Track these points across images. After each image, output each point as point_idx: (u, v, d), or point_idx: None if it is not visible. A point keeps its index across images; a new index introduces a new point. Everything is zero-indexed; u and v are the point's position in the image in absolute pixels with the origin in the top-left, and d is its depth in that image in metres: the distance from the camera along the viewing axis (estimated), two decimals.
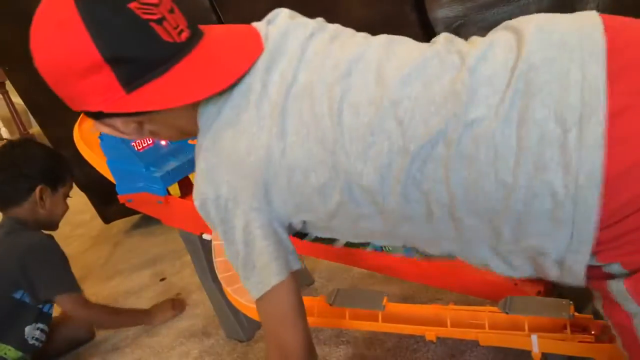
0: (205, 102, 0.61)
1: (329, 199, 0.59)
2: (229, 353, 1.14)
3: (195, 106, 0.62)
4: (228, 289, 0.88)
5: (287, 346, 0.64)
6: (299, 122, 0.58)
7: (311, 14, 1.65)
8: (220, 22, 1.66)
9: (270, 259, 0.61)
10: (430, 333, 0.79)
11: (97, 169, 1.12)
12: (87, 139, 1.13)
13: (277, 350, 0.65)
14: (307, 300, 0.85)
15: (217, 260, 0.93)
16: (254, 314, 0.87)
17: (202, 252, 1.08)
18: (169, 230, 1.85)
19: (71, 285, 1.25)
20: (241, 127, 0.59)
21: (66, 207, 1.36)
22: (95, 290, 1.59)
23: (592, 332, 0.72)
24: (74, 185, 1.45)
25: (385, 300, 0.81)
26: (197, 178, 0.63)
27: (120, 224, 2.04)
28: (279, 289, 0.62)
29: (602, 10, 0.88)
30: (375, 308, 0.81)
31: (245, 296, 0.87)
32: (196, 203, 0.63)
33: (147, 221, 2.00)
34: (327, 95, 0.57)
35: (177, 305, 1.36)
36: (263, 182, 0.59)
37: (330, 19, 1.67)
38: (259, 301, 0.63)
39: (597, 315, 0.73)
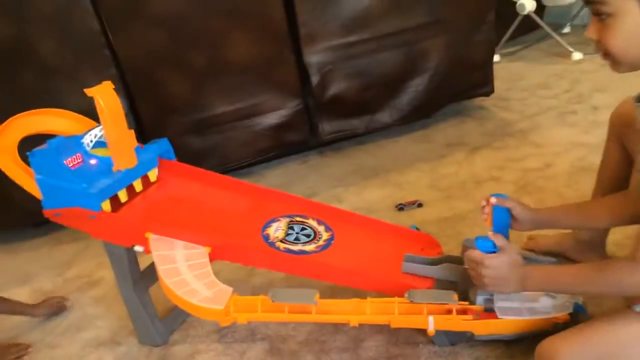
0: None
1: None
2: (146, 356, 1.22)
3: None
4: (178, 292, 0.99)
5: None
6: None
7: (200, 52, 1.83)
8: (109, 46, 1.71)
9: None
10: (354, 320, 1.00)
11: (18, 182, 1.14)
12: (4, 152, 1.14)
13: None
14: (251, 298, 1.02)
15: (161, 269, 1.03)
16: (203, 313, 1.00)
17: (127, 263, 1.16)
18: (35, 248, 1.82)
19: None
20: None
21: None
22: None
23: (470, 314, 1.00)
24: None
25: (317, 296, 1.00)
26: None
27: None
28: None
29: None
30: (309, 302, 1.00)
31: (195, 297, 0.99)
32: None
33: (3, 239, 1.92)
34: None
35: (57, 305, 1.44)
36: None
37: (218, 54, 1.85)
38: None
39: (472, 303, 1.02)
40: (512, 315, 0.99)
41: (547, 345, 0.89)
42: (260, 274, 1.43)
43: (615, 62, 0.82)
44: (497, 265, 0.93)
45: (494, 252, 0.95)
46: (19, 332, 1.40)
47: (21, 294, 1.56)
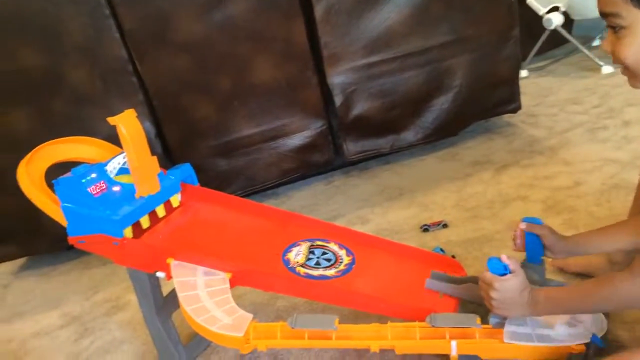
0: None
1: None
2: None
3: None
4: (197, 320, 0.99)
5: None
6: None
7: (224, 76, 1.86)
8: (136, 72, 1.75)
9: None
10: (375, 345, 0.99)
11: (44, 210, 1.16)
12: (32, 180, 1.17)
13: None
14: (270, 325, 1.01)
15: (181, 295, 1.04)
16: (223, 341, 1.00)
17: (150, 288, 1.18)
18: (65, 272, 1.86)
19: None
20: None
21: None
22: None
23: (496, 338, 0.97)
24: None
25: (336, 322, 0.99)
26: None
27: (7, 266, 1.97)
28: None
29: None
30: (329, 328, 0.99)
31: (214, 325, 0.99)
32: None
33: (37, 263, 1.97)
34: None
35: None
36: None
37: (242, 78, 1.88)
38: None
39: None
40: (519, 340, 0.96)
41: None
42: (284, 297, 1.42)
43: (632, 76, 0.83)
44: (505, 288, 0.93)
45: (505, 274, 0.93)
46: (41, 357, 1.42)
47: (50, 318, 1.59)
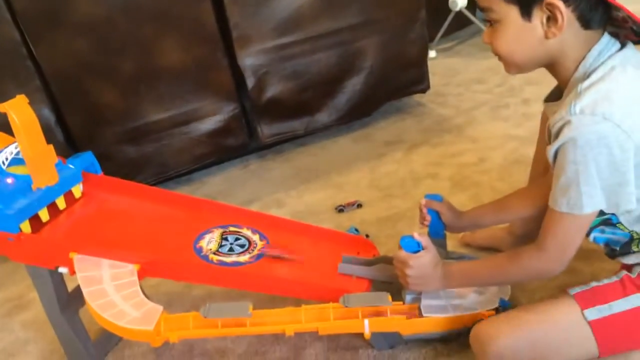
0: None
1: None
2: None
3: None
4: (104, 315, 0.94)
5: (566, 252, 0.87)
6: None
7: (129, 59, 1.78)
8: (31, 55, 1.64)
9: (598, 193, 0.80)
10: (290, 329, 0.99)
11: None
12: None
13: (557, 251, 0.87)
14: (182, 316, 0.99)
15: (86, 291, 0.99)
16: (133, 335, 0.96)
17: (52, 285, 1.11)
18: None
19: None
20: None
21: None
22: None
23: (405, 314, 1.00)
24: None
25: (250, 308, 0.98)
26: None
27: None
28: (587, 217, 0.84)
29: None
30: (243, 315, 0.98)
31: (123, 319, 0.95)
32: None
33: None
34: None
35: None
36: None
37: (148, 60, 1.81)
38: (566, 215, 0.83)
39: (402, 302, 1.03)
40: (437, 312, 1.00)
41: (481, 328, 0.91)
42: (199, 286, 1.39)
43: (506, 64, 0.90)
44: (420, 265, 0.97)
45: (418, 252, 0.97)
46: None
47: None
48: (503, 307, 1.01)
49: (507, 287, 1.06)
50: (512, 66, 0.90)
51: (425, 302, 1.02)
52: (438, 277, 0.98)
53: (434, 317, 1.00)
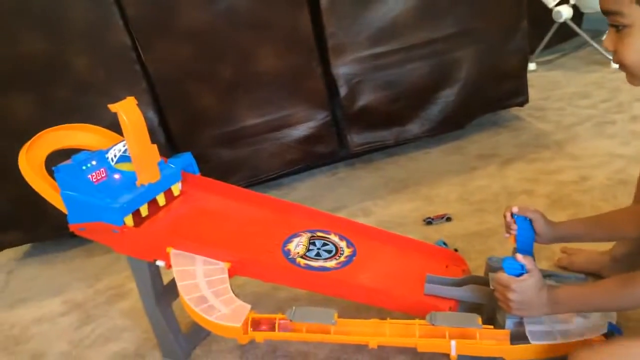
0: None
1: None
2: None
3: None
4: (196, 309, 0.99)
5: None
6: None
7: (228, 65, 1.84)
8: (140, 60, 1.74)
9: None
10: (374, 342, 0.98)
11: (45, 196, 1.16)
12: (32, 167, 1.16)
13: None
14: (269, 317, 1.00)
15: (181, 285, 1.03)
16: (221, 331, 0.99)
17: (149, 277, 1.17)
18: (69, 259, 1.86)
19: None
20: None
21: None
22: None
23: (496, 338, 0.95)
24: None
25: (335, 316, 0.98)
26: None
27: (11, 252, 1.97)
28: None
29: None
30: (328, 322, 0.98)
31: (212, 314, 0.98)
32: None
33: (40, 249, 1.97)
34: None
35: None
36: None
37: (246, 67, 1.87)
38: None
39: (499, 326, 0.98)
40: (545, 339, 0.93)
41: (582, 357, 0.85)
42: (285, 288, 1.41)
43: (630, 74, 0.82)
44: (524, 289, 0.89)
45: (522, 275, 0.90)
46: (43, 343, 1.43)
47: (53, 304, 1.59)
48: (613, 333, 0.93)
49: (613, 312, 0.98)
50: (638, 77, 0.82)
51: (530, 328, 0.95)
52: (543, 302, 0.90)
53: (540, 344, 0.94)
